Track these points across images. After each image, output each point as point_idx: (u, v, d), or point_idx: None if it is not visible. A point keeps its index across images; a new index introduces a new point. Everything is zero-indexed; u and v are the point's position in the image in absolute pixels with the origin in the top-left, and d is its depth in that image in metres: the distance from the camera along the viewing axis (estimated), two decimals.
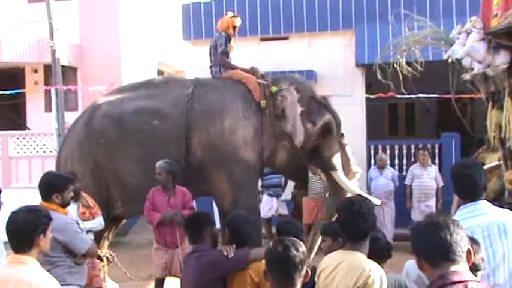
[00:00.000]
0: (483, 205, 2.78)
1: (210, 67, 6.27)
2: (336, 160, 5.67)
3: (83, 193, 5.30)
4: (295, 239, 2.36)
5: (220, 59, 6.11)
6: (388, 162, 9.19)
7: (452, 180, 2.92)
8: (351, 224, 2.68)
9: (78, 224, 3.97)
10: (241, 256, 3.35)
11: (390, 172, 8.74)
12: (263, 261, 3.31)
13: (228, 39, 6.17)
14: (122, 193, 5.88)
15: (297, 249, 2.25)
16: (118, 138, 5.83)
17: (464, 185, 2.82)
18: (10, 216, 2.60)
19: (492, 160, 8.41)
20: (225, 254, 3.33)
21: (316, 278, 2.77)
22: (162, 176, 5.22)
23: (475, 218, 2.71)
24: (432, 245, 1.92)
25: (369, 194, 8.50)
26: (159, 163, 5.24)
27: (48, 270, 2.72)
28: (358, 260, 2.65)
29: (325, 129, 5.69)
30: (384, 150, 10.00)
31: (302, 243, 2.36)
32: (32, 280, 2.45)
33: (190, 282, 3.45)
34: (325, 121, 5.68)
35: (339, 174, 5.67)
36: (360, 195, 2.90)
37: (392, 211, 8.54)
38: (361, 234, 2.69)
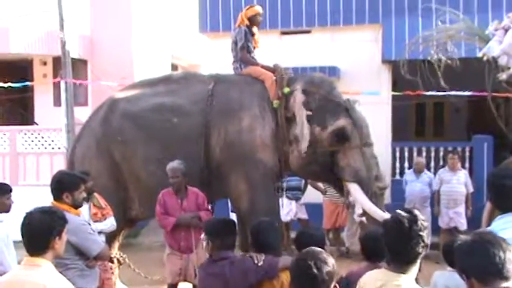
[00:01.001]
0: None
1: (232, 63, 6.30)
2: (352, 171, 5.47)
3: (95, 193, 5.37)
4: (321, 251, 2.35)
5: (241, 54, 6.14)
6: (425, 166, 9.06)
7: (488, 189, 2.91)
8: (400, 246, 2.44)
9: (90, 225, 4.03)
10: (271, 264, 3.36)
11: (427, 177, 8.67)
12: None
13: (250, 33, 6.19)
14: (140, 194, 5.96)
15: (326, 264, 2.23)
16: (136, 137, 5.91)
17: (501, 195, 2.81)
18: (25, 218, 2.66)
19: None
20: (256, 262, 3.34)
21: None
22: (179, 179, 5.24)
23: (511, 230, 2.70)
24: (485, 264, 1.95)
25: (402, 199, 8.50)
26: (173, 165, 5.25)
27: (59, 273, 2.77)
28: (403, 285, 2.45)
29: (339, 135, 5.52)
30: (410, 153, 9.95)
31: (330, 257, 2.34)
32: (47, 283, 2.50)
33: None
34: (338, 126, 5.49)
35: (354, 188, 5.47)
36: (410, 210, 2.61)
37: (428, 218, 8.49)
38: (412, 257, 2.46)
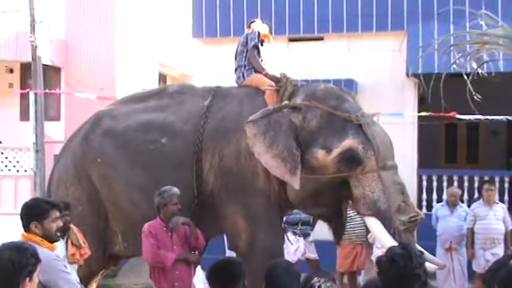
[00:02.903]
0: None
1: (235, 71, 6.34)
2: (368, 203, 5.28)
3: (72, 227, 5.36)
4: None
5: (251, 52, 6.16)
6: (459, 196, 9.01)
7: None
8: (397, 286, 2.58)
9: (63, 263, 4.01)
10: None
11: (463, 211, 8.62)
12: None
13: (260, 40, 6.27)
14: (123, 226, 5.95)
15: None
16: (118, 159, 5.91)
17: None
18: None
19: None
20: None
21: None
22: (178, 207, 5.26)
23: None
24: None
25: (432, 238, 8.46)
26: (174, 190, 5.27)
27: None
28: None
29: (347, 159, 5.31)
30: (440, 182, 9.95)
31: None
32: None
33: None
34: (344, 148, 5.32)
35: (372, 223, 5.32)
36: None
37: (464, 260, 8.44)
38: None
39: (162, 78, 14.53)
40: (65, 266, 3.96)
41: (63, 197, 5.83)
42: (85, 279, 5.74)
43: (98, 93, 10.21)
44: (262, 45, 6.35)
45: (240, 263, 3.66)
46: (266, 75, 6.14)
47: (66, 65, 12.45)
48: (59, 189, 6.18)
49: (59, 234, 3.98)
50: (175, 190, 5.30)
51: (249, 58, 6.18)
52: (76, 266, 5.37)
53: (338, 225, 5.81)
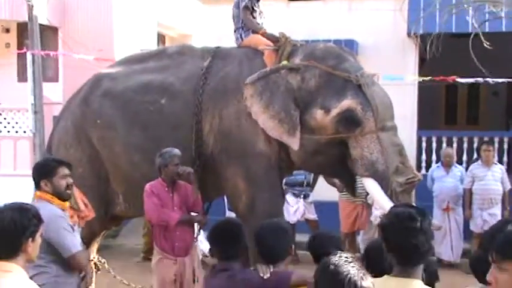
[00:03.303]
0: None
1: (234, 32, 6.27)
2: (367, 164, 5.26)
3: (74, 189, 5.37)
4: (350, 260, 2.35)
5: (243, 14, 6.08)
6: (455, 158, 9.08)
7: None
8: (405, 245, 2.55)
9: (68, 222, 4.06)
10: (282, 279, 3.33)
11: (459, 171, 8.72)
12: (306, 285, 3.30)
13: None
14: (123, 186, 5.99)
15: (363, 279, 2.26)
16: (117, 120, 5.91)
17: None
18: None
19: None
20: (261, 275, 3.32)
21: None
22: (178, 168, 5.28)
23: None
24: None
25: (429, 199, 8.54)
26: (174, 151, 5.27)
27: (32, 280, 2.79)
28: None
29: (346, 119, 5.28)
30: (439, 143, 9.98)
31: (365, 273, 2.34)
32: None
33: None
34: (343, 108, 5.28)
35: (370, 184, 5.32)
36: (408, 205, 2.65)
37: (460, 220, 8.55)
38: (419, 257, 2.58)
39: (161, 38, 14.40)
40: (70, 226, 4.01)
41: (64, 158, 5.86)
42: (86, 240, 5.77)
43: (96, 54, 10.15)
44: (258, 1, 6.24)
45: (239, 224, 3.70)
46: (264, 34, 6.05)
47: (64, 25, 12.30)
48: (59, 151, 6.21)
49: (69, 191, 4.04)
50: (176, 151, 5.31)
51: (242, 19, 6.11)
52: (76, 227, 5.40)
53: (348, 177, 5.78)
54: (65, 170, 4.03)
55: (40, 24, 10.30)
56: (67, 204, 4.11)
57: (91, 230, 5.84)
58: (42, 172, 3.96)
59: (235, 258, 3.47)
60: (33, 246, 2.69)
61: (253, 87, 5.49)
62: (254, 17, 6.16)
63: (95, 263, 5.40)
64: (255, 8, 6.17)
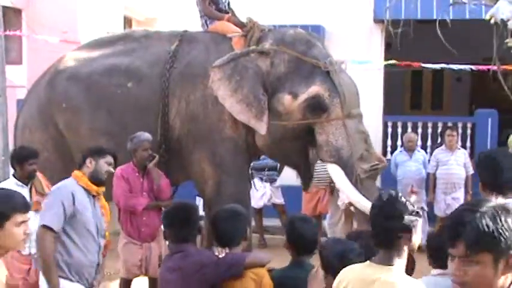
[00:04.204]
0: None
1: (200, 18, 6.25)
2: (331, 150, 5.29)
3: (38, 174, 5.32)
4: None
5: (201, 4, 6.10)
6: (419, 143, 9.24)
7: (478, 170, 3.02)
8: (380, 227, 2.52)
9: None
10: (234, 260, 3.35)
11: (421, 155, 8.85)
12: (264, 267, 3.35)
13: None
14: None
15: None
16: (83, 104, 5.88)
17: (493, 177, 2.91)
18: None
19: None
20: (216, 256, 3.36)
21: None
22: (148, 153, 5.28)
23: None
24: None
25: (394, 183, 8.66)
26: (146, 136, 5.26)
27: None
28: (397, 281, 2.46)
29: (313, 105, 5.31)
30: (405, 129, 10.11)
31: None
32: None
33: None
34: (310, 94, 5.31)
35: (334, 170, 5.37)
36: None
37: (425, 202, 8.70)
38: (391, 240, 2.51)
39: (128, 21, 14.22)
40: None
41: (29, 142, 5.81)
42: None
43: (61, 36, 9.99)
44: None
45: (192, 206, 3.70)
46: (229, 19, 6.04)
47: (27, 6, 12.07)
48: (23, 134, 6.19)
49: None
50: (147, 135, 5.30)
51: (201, 10, 6.10)
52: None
53: (306, 171, 5.85)
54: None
55: (3, 6, 10.08)
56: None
57: None
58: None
59: (189, 240, 3.48)
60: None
61: (221, 70, 5.46)
62: (216, 3, 6.13)
63: None
64: None
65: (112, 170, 4.28)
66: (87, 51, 6.26)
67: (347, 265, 2.65)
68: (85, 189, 4.12)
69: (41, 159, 5.40)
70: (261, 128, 5.39)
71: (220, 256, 3.39)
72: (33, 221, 5.16)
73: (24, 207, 2.63)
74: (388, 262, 2.49)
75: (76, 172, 4.21)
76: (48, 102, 6.07)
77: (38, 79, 6.53)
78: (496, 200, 2.09)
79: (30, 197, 5.20)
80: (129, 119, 5.68)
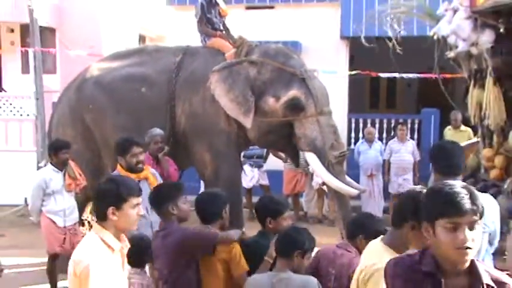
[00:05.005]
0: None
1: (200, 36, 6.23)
2: (308, 141, 5.32)
3: (70, 162, 5.28)
4: None
5: (198, 26, 6.10)
6: (377, 135, 9.27)
7: (432, 157, 3.01)
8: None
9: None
10: (206, 235, 3.18)
11: (379, 145, 8.90)
12: (236, 244, 3.18)
13: (210, 4, 6.10)
14: (112, 160, 5.88)
15: None
16: (106, 105, 5.83)
17: (445, 162, 2.91)
18: None
19: (454, 139, 8.73)
20: (193, 233, 3.18)
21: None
22: (162, 145, 5.20)
23: None
24: None
25: (358, 167, 8.69)
26: (156, 131, 5.22)
27: None
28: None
29: (292, 105, 5.32)
30: (365, 124, 10.14)
31: None
32: None
33: (161, 265, 3.24)
34: (289, 96, 5.32)
35: (310, 157, 5.38)
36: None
37: (381, 184, 8.74)
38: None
39: (142, 38, 14.14)
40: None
41: (62, 137, 5.76)
42: (82, 203, 5.74)
43: (88, 51, 9.91)
44: (215, 3, 6.15)
45: (174, 185, 3.53)
46: (221, 36, 6.02)
47: (60, 26, 11.94)
48: (57, 130, 6.15)
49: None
50: (158, 131, 5.25)
51: (198, 31, 6.08)
52: (73, 193, 5.33)
53: (293, 154, 5.81)
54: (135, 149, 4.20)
55: (40, 26, 9.97)
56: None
57: (86, 195, 5.73)
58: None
59: (168, 217, 3.27)
60: (118, 215, 2.41)
61: (218, 74, 5.46)
62: (211, 23, 6.09)
63: (88, 222, 5.37)
64: (211, 12, 6.08)
65: (140, 158, 4.24)
66: (109, 62, 6.22)
67: None
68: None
69: (72, 150, 5.37)
70: (247, 123, 5.39)
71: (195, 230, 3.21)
72: (67, 198, 5.22)
73: (138, 191, 2.47)
74: None
75: (118, 167, 4.27)
76: (77, 103, 6.02)
77: (68, 85, 6.48)
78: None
79: (64, 180, 5.18)
80: (144, 118, 5.64)
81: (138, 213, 2.46)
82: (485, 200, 2.80)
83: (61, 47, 11.44)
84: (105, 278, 2.32)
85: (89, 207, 6.20)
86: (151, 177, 4.29)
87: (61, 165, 5.16)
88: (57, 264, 5.19)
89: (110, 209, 2.38)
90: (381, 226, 2.99)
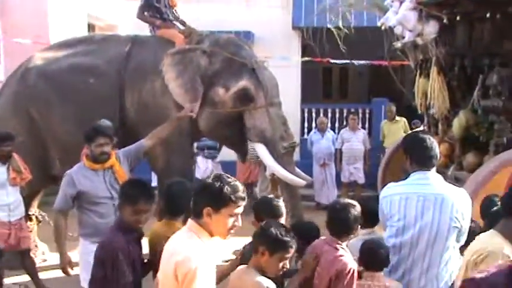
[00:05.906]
0: (432, 175, 2.94)
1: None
2: (257, 132, 5.29)
3: (14, 155, 5.09)
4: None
5: (137, 13, 5.98)
6: (329, 125, 9.43)
7: (408, 149, 3.06)
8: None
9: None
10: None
11: (331, 135, 9.05)
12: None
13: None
14: (60, 153, 5.72)
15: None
16: (53, 97, 5.63)
17: (423, 153, 2.95)
18: None
19: (390, 130, 9.06)
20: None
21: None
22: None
23: (423, 186, 2.90)
24: None
25: (310, 157, 8.79)
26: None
27: None
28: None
29: (242, 96, 5.28)
30: (318, 114, 10.28)
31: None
32: None
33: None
34: (239, 87, 5.27)
35: (259, 148, 5.38)
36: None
37: (333, 172, 8.89)
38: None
39: (91, 27, 13.72)
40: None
41: (5, 128, 5.53)
42: (28, 197, 5.54)
43: (34, 39, 9.55)
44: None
45: (140, 183, 3.28)
46: (165, 26, 5.89)
47: (3, 14, 11.44)
48: (1, 122, 5.85)
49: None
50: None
51: (137, 17, 5.97)
52: (18, 187, 5.14)
53: (241, 147, 5.79)
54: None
55: None
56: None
57: (32, 189, 5.58)
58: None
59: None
60: (213, 218, 2.23)
61: (172, 58, 5.39)
62: (158, 11, 5.96)
63: (36, 217, 5.20)
64: (160, 2, 5.95)
65: (105, 149, 4.04)
66: (54, 52, 5.99)
67: None
68: (92, 169, 3.97)
69: (16, 142, 5.17)
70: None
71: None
72: (12, 193, 5.03)
73: (242, 200, 2.22)
74: None
75: (83, 156, 4.14)
76: (21, 93, 5.77)
77: (10, 75, 6.22)
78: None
79: (8, 174, 4.99)
80: (93, 109, 5.47)
81: (234, 224, 2.19)
82: (459, 194, 2.90)
83: (4, 35, 10.99)
84: (209, 285, 2.14)
85: (36, 202, 6.02)
86: (117, 164, 4.18)
87: (4, 158, 4.97)
88: (2, 261, 5.00)
89: (206, 209, 2.16)
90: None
